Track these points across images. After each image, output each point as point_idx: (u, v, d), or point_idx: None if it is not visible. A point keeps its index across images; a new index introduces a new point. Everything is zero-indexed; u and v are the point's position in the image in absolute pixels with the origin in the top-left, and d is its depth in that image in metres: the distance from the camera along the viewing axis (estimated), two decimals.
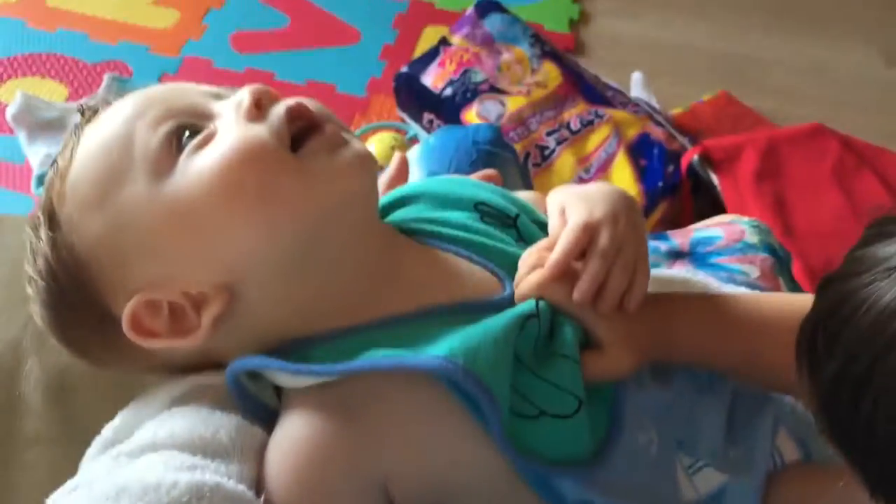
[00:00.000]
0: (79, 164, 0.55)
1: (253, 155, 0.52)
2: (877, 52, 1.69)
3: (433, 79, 1.29)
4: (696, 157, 1.19)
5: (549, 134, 1.22)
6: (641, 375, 0.56)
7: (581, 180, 1.19)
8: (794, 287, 0.80)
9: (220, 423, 0.52)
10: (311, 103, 0.56)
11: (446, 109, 1.26)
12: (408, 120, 1.33)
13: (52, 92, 1.37)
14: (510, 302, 0.55)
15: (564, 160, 1.20)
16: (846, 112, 1.51)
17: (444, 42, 1.34)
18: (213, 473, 0.48)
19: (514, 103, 1.24)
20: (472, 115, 1.24)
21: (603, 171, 1.19)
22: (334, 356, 0.52)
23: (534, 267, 0.56)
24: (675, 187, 1.18)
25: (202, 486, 0.47)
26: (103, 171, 0.54)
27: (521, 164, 0.86)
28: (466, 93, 1.26)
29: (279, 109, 0.55)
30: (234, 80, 1.41)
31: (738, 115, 1.43)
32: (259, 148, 0.52)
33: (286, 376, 0.53)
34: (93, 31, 1.47)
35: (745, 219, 0.82)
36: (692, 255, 0.77)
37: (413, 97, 1.31)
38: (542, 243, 0.57)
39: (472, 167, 0.74)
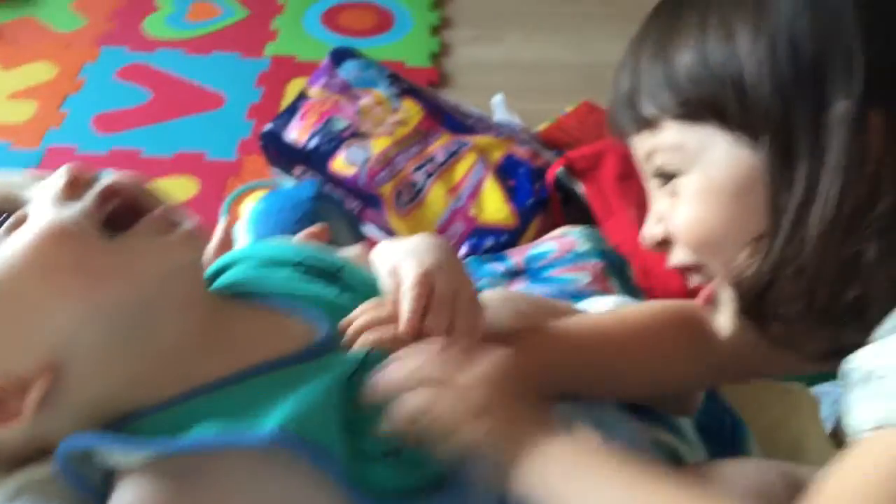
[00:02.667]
0: None
1: (62, 236, 0.53)
2: None
3: (297, 132, 1.30)
4: (561, 169, 1.22)
5: (416, 169, 1.24)
6: None
7: (454, 211, 1.21)
8: (628, 287, 0.83)
9: None
10: (130, 180, 0.57)
11: (314, 161, 1.27)
12: (280, 176, 1.34)
13: None
14: (328, 344, 0.57)
15: (435, 193, 1.22)
16: None
17: (302, 95, 1.34)
18: None
19: (378, 145, 1.26)
20: (339, 163, 1.25)
21: (473, 197, 1.22)
22: (166, 428, 0.52)
23: (367, 326, 0.57)
24: (545, 202, 1.21)
25: None
26: None
27: (350, 213, 0.87)
28: (331, 141, 1.27)
29: (93, 190, 0.55)
30: (99, 164, 1.39)
31: (600, 122, 1.47)
32: (67, 229, 0.53)
33: (117, 453, 0.52)
34: None
35: (576, 229, 0.85)
36: (527, 271, 0.79)
37: (281, 153, 1.31)
38: (370, 304, 0.59)
39: (299, 225, 0.75)
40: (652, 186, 0.61)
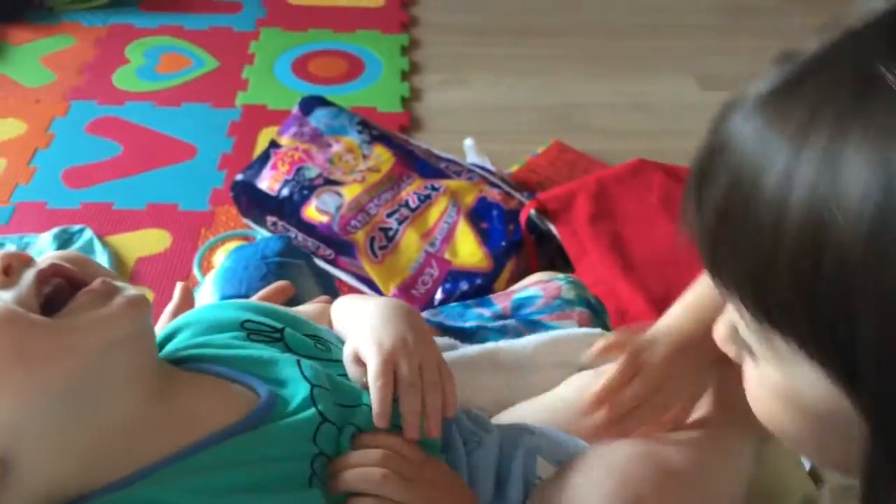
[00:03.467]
0: None
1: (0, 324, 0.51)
2: (692, 78, 1.81)
3: (269, 182, 1.30)
4: (532, 211, 1.23)
5: (389, 215, 1.24)
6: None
7: (428, 255, 1.21)
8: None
9: None
10: (71, 260, 0.56)
11: (286, 210, 1.27)
12: (253, 226, 1.34)
13: None
14: (266, 412, 0.57)
15: (409, 238, 1.22)
16: (672, 140, 1.59)
17: (273, 144, 1.35)
18: None
19: (350, 192, 1.26)
20: (311, 211, 1.26)
21: (447, 241, 1.22)
22: None
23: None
24: (519, 244, 1.22)
25: None
26: None
27: (318, 268, 0.87)
28: (303, 190, 1.28)
29: (29, 274, 0.55)
30: (70, 218, 1.38)
31: (571, 161, 1.50)
32: (4, 317, 0.52)
33: None
34: None
35: (561, 275, 0.86)
36: (514, 317, 0.80)
37: (253, 203, 1.31)
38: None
39: (264, 281, 0.75)
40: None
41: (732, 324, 0.46)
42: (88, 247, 1.31)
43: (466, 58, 1.86)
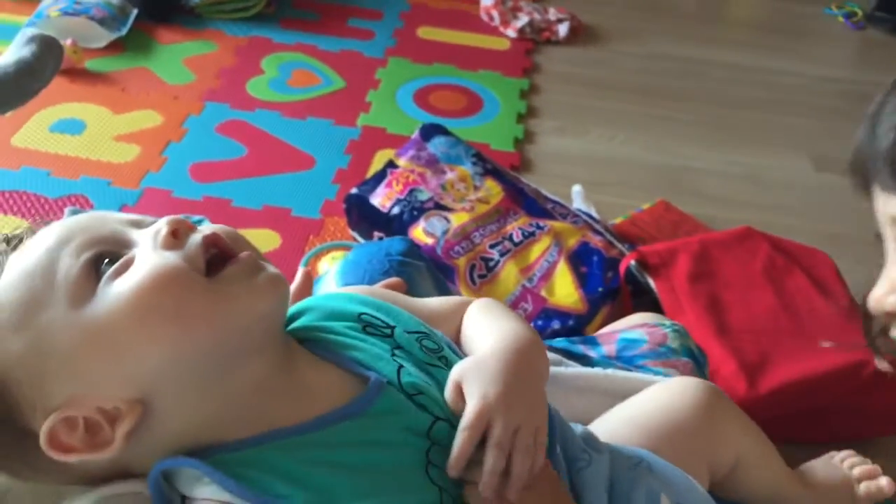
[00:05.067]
0: (1, 289, 0.58)
1: (167, 280, 0.55)
2: (807, 158, 1.79)
3: (381, 199, 1.35)
4: (633, 262, 1.24)
5: (492, 246, 1.27)
6: None
7: (524, 289, 1.23)
8: None
9: None
10: (226, 233, 0.60)
11: (394, 227, 1.32)
12: (359, 238, 1.39)
13: (13, 228, 1.40)
14: (371, 401, 0.59)
15: (508, 270, 1.25)
16: (779, 215, 1.59)
17: (391, 164, 1.40)
18: None
19: (458, 219, 1.30)
20: (418, 232, 1.30)
21: (545, 279, 1.24)
22: (241, 469, 0.55)
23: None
24: (615, 292, 1.23)
25: None
26: (25, 297, 0.57)
27: (437, 273, 0.90)
28: (413, 211, 1.32)
29: (195, 238, 0.59)
30: (192, 209, 1.46)
31: (676, 222, 1.50)
32: (173, 274, 0.56)
33: (198, 485, 0.55)
34: (56, 167, 1.53)
35: (668, 322, 0.87)
36: (619, 359, 0.81)
37: (363, 217, 1.36)
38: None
39: (385, 276, 0.78)
40: (891, 250, 0.56)
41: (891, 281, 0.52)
42: None
43: (583, 109, 1.89)
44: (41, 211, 1.44)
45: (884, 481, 0.89)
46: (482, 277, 1.25)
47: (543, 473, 0.60)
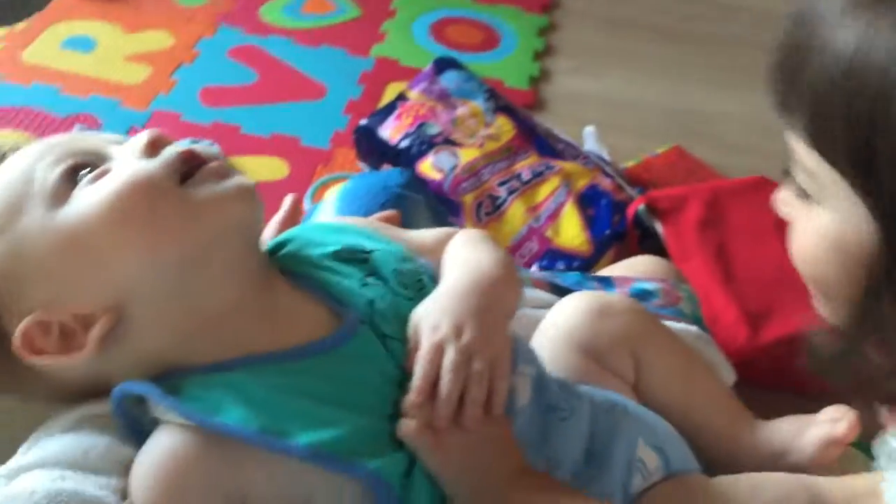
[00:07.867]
0: None
1: (141, 185, 0.57)
2: None
3: (391, 131, 1.34)
4: (642, 206, 1.23)
5: (500, 184, 1.26)
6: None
7: (531, 229, 1.22)
8: None
9: (92, 443, 0.56)
10: (202, 148, 0.61)
11: (403, 160, 1.30)
12: (368, 170, 1.37)
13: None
14: (346, 336, 0.59)
15: (515, 209, 1.24)
16: None
17: (401, 97, 1.38)
18: (74, 483, 0.51)
19: (467, 155, 1.28)
20: (427, 166, 1.29)
21: (552, 219, 1.23)
22: (207, 392, 0.55)
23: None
24: (622, 235, 1.22)
25: (60, 492, 0.51)
26: (4, 203, 0.58)
27: (436, 206, 0.89)
28: (422, 145, 1.31)
29: (172, 149, 0.60)
30: (200, 133, 1.45)
31: (689, 168, 1.48)
32: (147, 178, 0.57)
33: (161, 407, 0.56)
34: (66, 85, 1.52)
35: (685, 286, 0.86)
36: None
37: (372, 149, 1.35)
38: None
39: (382, 209, 0.78)
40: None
41: (792, 186, 0.58)
42: None
43: (603, 49, 1.85)
44: (50, 129, 1.43)
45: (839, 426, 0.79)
46: (489, 214, 1.24)
47: (500, 419, 0.60)
